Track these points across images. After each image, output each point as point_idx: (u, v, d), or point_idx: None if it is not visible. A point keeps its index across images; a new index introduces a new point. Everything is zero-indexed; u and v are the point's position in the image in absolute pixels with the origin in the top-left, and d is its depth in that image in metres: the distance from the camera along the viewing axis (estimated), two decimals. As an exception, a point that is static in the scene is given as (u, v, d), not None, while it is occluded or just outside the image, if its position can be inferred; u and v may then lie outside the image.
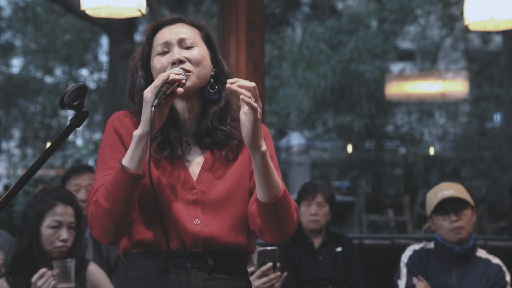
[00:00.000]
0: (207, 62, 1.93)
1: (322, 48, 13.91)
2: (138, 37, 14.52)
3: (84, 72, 17.08)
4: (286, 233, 1.84)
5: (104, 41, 15.53)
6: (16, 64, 16.58)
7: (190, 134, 1.93)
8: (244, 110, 1.74)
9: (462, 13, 5.26)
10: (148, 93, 1.76)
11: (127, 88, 1.96)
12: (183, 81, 1.81)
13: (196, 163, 1.90)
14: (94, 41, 16.33)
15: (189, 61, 1.88)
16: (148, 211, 1.84)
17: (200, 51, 1.92)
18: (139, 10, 4.25)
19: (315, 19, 15.02)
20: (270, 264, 2.54)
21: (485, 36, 15.57)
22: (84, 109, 1.71)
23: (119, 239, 1.83)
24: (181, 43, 1.91)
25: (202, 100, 1.94)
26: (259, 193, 1.79)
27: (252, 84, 1.73)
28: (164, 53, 1.91)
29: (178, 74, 1.81)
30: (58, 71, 16.84)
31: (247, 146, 1.76)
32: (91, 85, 16.55)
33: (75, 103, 1.69)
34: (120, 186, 1.74)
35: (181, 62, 1.87)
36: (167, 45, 1.91)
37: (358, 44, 13.55)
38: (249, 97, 1.70)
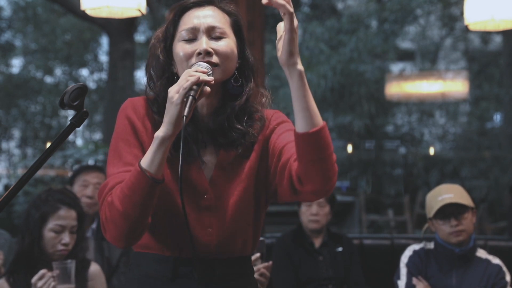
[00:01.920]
0: (234, 55, 1.77)
1: (322, 48, 13.91)
2: (138, 37, 14.56)
3: (84, 72, 17.08)
4: (328, 180, 1.64)
5: (104, 41, 15.54)
6: (16, 64, 16.59)
7: (206, 131, 1.79)
8: (280, 30, 1.59)
9: (462, 13, 5.26)
10: (174, 93, 1.61)
11: (146, 70, 1.82)
12: (212, 82, 1.66)
13: (210, 164, 1.77)
14: (94, 41, 16.33)
15: (217, 53, 1.73)
16: (163, 214, 1.73)
17: (229, 43, 1.76)
18: (139, 10, 4.25)
19: (315, 19, 15.02)
20: (258, 254, 2.53)
21: (485, 36, 15.57)
22: (84, 109, 1.68)
23: (133, 243, 1.72)
24: (210, 31, 1.75)
25: (223, 93, 1.80)
26: (299, 124, 1.60)
27: None
28: (189, 40, 1.75)
29: (206, 73, 1.66)
30: (58, 71, 16.85)
31: (283, 64, 1.58)
32: (91, 85, 16.55)
33: (75, 103, 1.65)
34: (137, 190, 1.62)
35: (208, 53, 1.72)
36: (194, 32, 1.75)
37: (358, 44, 13.56)
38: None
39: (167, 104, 1.63)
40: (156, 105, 1.77)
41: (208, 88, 1.64)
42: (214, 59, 1.72)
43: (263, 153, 1.81)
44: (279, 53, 1.58)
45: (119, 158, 1.74)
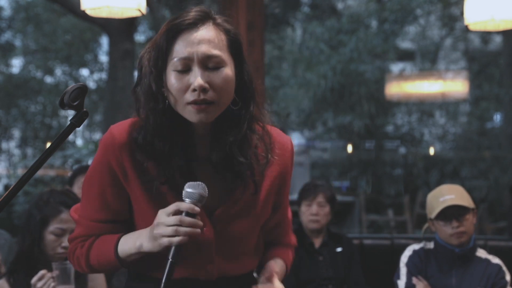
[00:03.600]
0: (232, 85, 1.63)
1: (322, 48, 13.92)
2: (138, 37, 14.56)
3: (84, 72, 17.09)
4: None
5: (104, 41, 15.55)
6: (16, 64, 16.60)
7: (201, 161, 1.67)
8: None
9: (462, 13, 5.26)
10: (160, 236, 1.56)
11: (133, 92, 1.68)
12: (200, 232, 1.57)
13: (210, 196, 1.62)
14: (94, 41, 16.34)
15: (212, 87, 1.59)
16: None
17: (225, 74, 1.61)
18: (139, 10, 4.25)
19: (315, 19, 15.03)
20: None
21: (485, 36, 15.57)
22: (84, 109, 1.66)
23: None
24: (205, 61, 1.60)
25: (219, 116, 1.65)
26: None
27: None
28: (183, 71, 1.60)
29: (198, 213, 1.56)
30: (58, 71, 16.86)
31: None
32: (91, 85, 16.56)
33: (75, 103, 1.63)
34: (108, 266, 1.71)
35: (203, 90, 1.57)
36: (188, 62, 1.60)
37: (358, 44, 13.56)
38: None
39: (151, 235, 1.59)
40: (141, 135, 1.64)
41: (198, 232, 1.56)
42: (210, 95, 1.58)
43: (271, 190, 1.75)
44: None
45: (91, 202, 1.72)
